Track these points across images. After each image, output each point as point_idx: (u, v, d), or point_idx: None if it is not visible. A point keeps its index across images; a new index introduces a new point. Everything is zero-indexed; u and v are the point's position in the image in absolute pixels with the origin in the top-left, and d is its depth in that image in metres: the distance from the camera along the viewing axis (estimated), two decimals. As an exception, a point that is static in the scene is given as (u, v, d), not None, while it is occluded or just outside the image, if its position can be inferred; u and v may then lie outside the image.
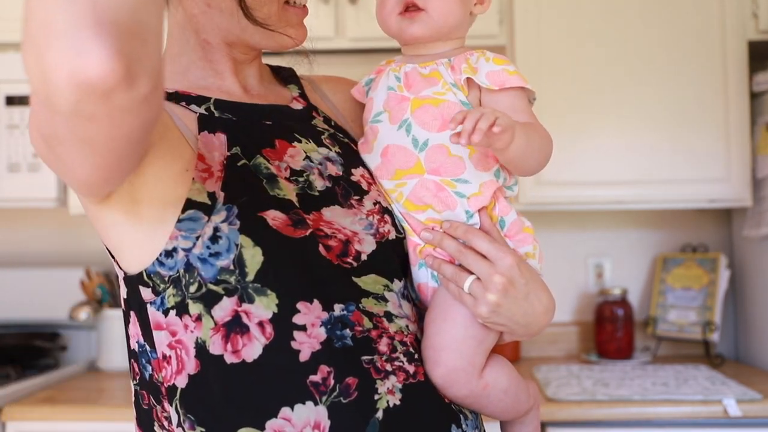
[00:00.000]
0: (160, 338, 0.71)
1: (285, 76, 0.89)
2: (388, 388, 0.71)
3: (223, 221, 0.70)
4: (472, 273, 0.75)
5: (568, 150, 1.99)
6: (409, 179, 0.78)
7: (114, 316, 2.15)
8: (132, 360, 0.76)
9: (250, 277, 0.69)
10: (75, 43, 0.46)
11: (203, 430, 0.70)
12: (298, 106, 0.85)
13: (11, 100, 1.98)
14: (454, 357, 0.74)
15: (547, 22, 2.00)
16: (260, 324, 0.69)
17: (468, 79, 0.78)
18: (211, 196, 0.70)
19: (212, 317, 0.69)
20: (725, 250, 2.32)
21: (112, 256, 0.75)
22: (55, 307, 2.19)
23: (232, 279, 0.69)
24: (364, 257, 0.76)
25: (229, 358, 0.69)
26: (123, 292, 0.76)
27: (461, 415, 0.76)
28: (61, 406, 1.73)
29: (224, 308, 0.69)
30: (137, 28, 0.48)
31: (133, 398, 0.78)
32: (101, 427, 1.71)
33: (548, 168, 2.07)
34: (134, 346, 0.75)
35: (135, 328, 0.75)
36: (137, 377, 0.76)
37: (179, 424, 0.71)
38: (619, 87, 1.99)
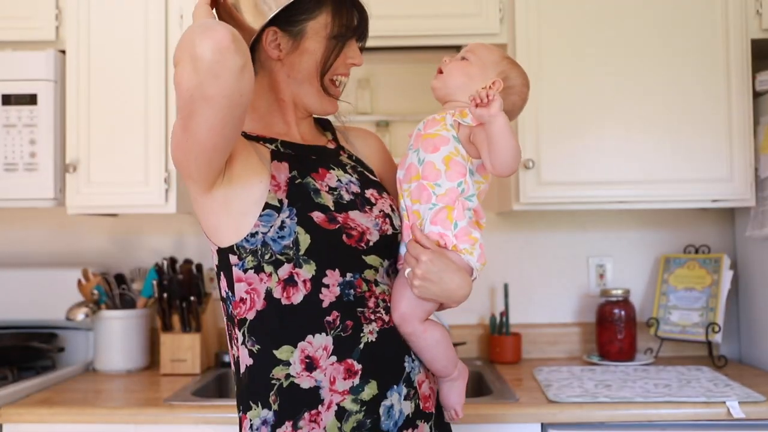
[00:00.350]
0: (240, 287, 1.13)
1: (323, 125, 1.35)
2: (369, 330, 1.14)
3: (287, 217, 1.11)
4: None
5: (569, 149, 1.98)
6: (414, 182, 1.21)
7: (111, 317, 2.14)
8: (222, 304, 1.20)
9: (302, 252, 1.11)
10: (213, 32, 0.94)
11: (259, 346, 1.12)
12: (331, 146, 1.29)
13: (7, 99, 1.97)
14: (404, 306, 1.18)
15: (548, 22, 1.99)
16: (304, 281, 1.12)
17: (458, 122, 1.21)
18: (280, 201, 1.12)
19: (278, 275, 1.12)
20: (728, 251, 2.30)
21: (207, 238, 1.17)
22: (52, 307, 2.18)
23: (291, 252, 1.11)
24: (371, 243, 1.17)
25: (284, 301, 1.12)
26: (215, 259, 1.17)
27: (412, 352, 1.20)
28: (58, 407, 1.72)
29: (285, 270, 1.11)
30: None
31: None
32: (98, 428, 1.71)
33: (549, 168, 2.07)
34: (223, 294, 1.18)
35: (223, 283, 1.17)
36: (225, 316, 1.19)
37: (243, 343, 1.14)
38: (620, 86, 1.98)
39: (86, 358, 2.23)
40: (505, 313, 2.25)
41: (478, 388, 2.09)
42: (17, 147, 1.97)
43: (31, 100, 1.97)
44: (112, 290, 2.20)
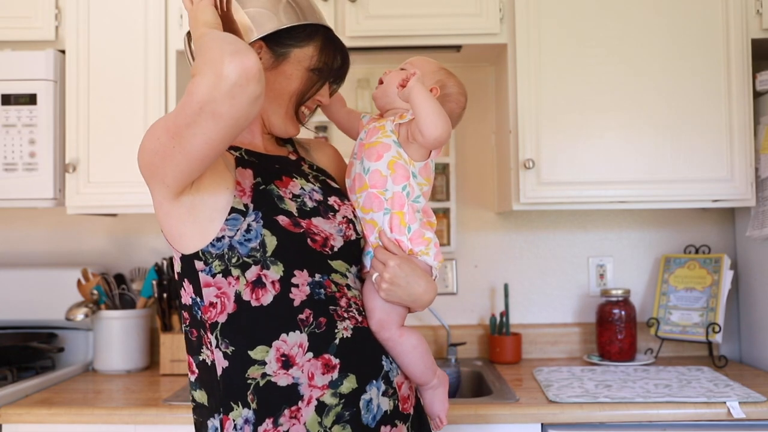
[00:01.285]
0: (209, 292, 1.15)
1: (283, 139, 1.38)
2: (344, 327, 1.18)
3: (253, 221, 1.14)
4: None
5: (569, 149, 1.97)
6: (363, 192, 1.26)
7: (111, 317, 2.14)
8: (183, 311, 1.20)
9: (269, 254, 1.14)
10: (244, 56, 0.98)
11: (233, 348, 1.13)
12: (293, 157, 1.34)
13: (7, 99, 1.97)
14: (379, 313, 1.23)
15: (548, 21, 1.99)
16: (272, 282, 1.14)
17: (398, 124, 1.27)
18: (246, 206, 1.15)
19: (245, 277, 1.14)
20: (728, 251, 2.30)
21: (170, 245, 1.19)
22: (52, 308, 2.18)
23: (258, 255, 1.14)
24: (335, 249, 1.21)
25: (254, 303, 1.14)
26: (177, 266, 1.19)
27: (388, 353, 1.24)
28: (58, 407, 1.72)
29: (252, 272, 1.14)
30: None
31: (184, 335, 1.22)
32: (98, 429, 1.70)
33: (549, 168, 2.07)
34: (187, 300, 1.19)
35: (188, 289, 1.17)
36: (187, 321, 1.20)
37: (217, 346, 1.14)
38: (620, 86, 1.98)
39: (86, 359, 2.23)
40: (505, 313, 2.25)
41: (478, 388, 2.09)
42: (17, 147, 1.97)
43: (30, 100, 1.97)
44: (111, 290, 2.20)
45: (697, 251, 2.29)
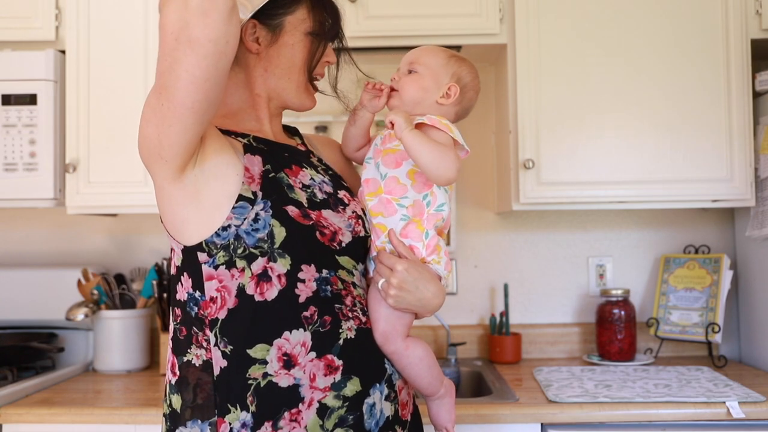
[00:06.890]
0: (210, 285, 1.09)
1: (291, 131, 1.35)
2: (348, 327, 1.13)
3: (261, 209, 1.08)
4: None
5: (569, 149, 1.97)
6: (375, 197, 1.22)
7: (111, 317, 2.14)
8: (175, 307, 1.14)
9: (277, 245, 1.08)
10: None
11: (232, 347, 1.08)
12: (302, 148, 1.29)
13: (7, 99, 1.97)
14: (383, 324, 1.17)
15: (548, 21, 1.99)
16: (278, 276, 1.09)
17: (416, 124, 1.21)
18: (254, 193, 1.09)
19: (251, 270, 1.08)
20: (728, 251, 2.30)
21: (171, 236, 1.12)
22: (52, 307, 2.18)
23: (265, 246, 1.08)
24: (344, 244, 1.16)
25: (258, 297, 1.08)
26: (177, 260, 1.13)
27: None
28: (58, 407, 1.72)
29: (258, 264, 1.08)
30: None
31: (171, 334, 1.16)
32: (98, 429, 1.70)
33: (549, 168, 2.07)
34: (182, 296, 1.12)
35: (186, 284, 1.11)
36: (179, 318, 1.13)
37: (216, 344, 1.08)
38: (620, 86, 1.98)
39: (86, 358, 2.23)
40: (505, 313, 2.25)
41: (478, 388, 2.09)
42: (17, 147, 1.97)
43: (31, 100, 1.97)
44: (111, 290, 2.20)
45: (696, 251, 2.29)
